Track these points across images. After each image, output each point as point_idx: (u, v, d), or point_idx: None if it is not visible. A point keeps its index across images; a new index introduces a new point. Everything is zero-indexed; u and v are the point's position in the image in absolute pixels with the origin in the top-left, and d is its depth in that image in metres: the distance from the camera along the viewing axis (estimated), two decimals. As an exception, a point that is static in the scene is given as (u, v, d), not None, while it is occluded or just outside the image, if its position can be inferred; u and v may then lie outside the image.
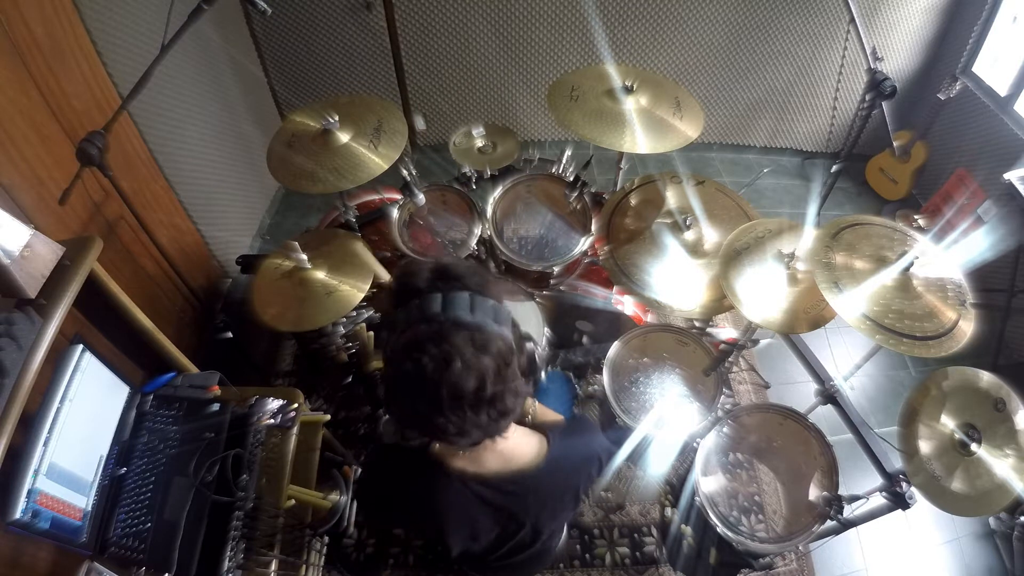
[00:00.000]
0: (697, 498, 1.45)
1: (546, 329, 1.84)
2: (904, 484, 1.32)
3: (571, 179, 1.85)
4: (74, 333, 1.27)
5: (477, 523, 0.93)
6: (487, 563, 1.09)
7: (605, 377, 1.62)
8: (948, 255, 1.29)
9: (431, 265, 0.80)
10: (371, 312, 1.72)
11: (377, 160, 1.55)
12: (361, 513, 1.48)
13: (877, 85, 1.88)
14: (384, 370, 0.78)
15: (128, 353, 1.49)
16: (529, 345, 0.84)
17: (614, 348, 1.67)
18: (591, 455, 1.02)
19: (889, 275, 1.21)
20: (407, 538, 1.93)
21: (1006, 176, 2.26)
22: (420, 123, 3.27)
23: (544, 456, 0.93)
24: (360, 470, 1.60)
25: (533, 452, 0.94)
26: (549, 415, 1.22)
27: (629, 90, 1.69)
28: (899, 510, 1.34)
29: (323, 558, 1.52)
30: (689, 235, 1.58)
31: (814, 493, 1.43)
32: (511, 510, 0.94)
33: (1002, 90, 2.62)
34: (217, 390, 1.40)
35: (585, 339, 2.09)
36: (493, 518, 0.94)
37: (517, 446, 0.93)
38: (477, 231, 1.78)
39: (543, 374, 0.88)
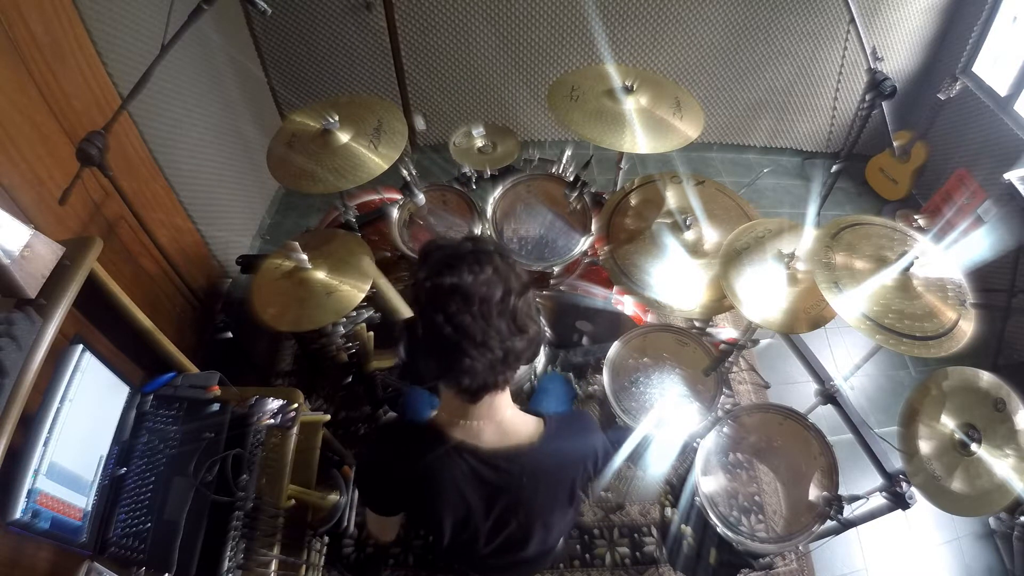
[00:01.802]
0: (697, 498, 1.45)
1: (546, 329, 1.83)
2: (904, 484, 1.32)
3: (571, 179, 1.85)
4: (74, 333, 1.27)
5: (469, 502, 0.94)
6: (483, 560, 1.09)
7: (605, 377, 1.62)
8: (948, 255, 1.29)
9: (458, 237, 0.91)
10: (371, 312, 1.72)
11: (377, 160, 1.55)
12: (359, 491, 1.48)
13: (877, 85, 1.88)
14: (415, 292, 0.85)
15: (128, 353, 1.49)
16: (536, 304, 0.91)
17: (614, 348, 1.67)
18: (588, 448, 1.03)
19: (889, 275, 1.21)
20: (407, 538, 1.94)
21: (1006, 176, 2.26)
22: (420, 123, 3.27)
23: (540, 436, 0.96)
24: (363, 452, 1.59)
25: (530, 430, 0.97)
26: None
27: (629, 90, 1.69)
28: (899, 510, 1.34)
29: (323, 558, 1.52)
30: (689, 235, 1.58)
31: (814, 493, 1.43)
32: (504, 491, 0.95)
33: (1002, 90, 2.62)
34: (217, 390, 1.40)
35: (585, 339, 2.09)
36: (485, 498, 0.95)
37: (515, 421, 0.96)
38: (477, 231, 1.78)
39: (544, 336, 0.95)
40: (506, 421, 0.94)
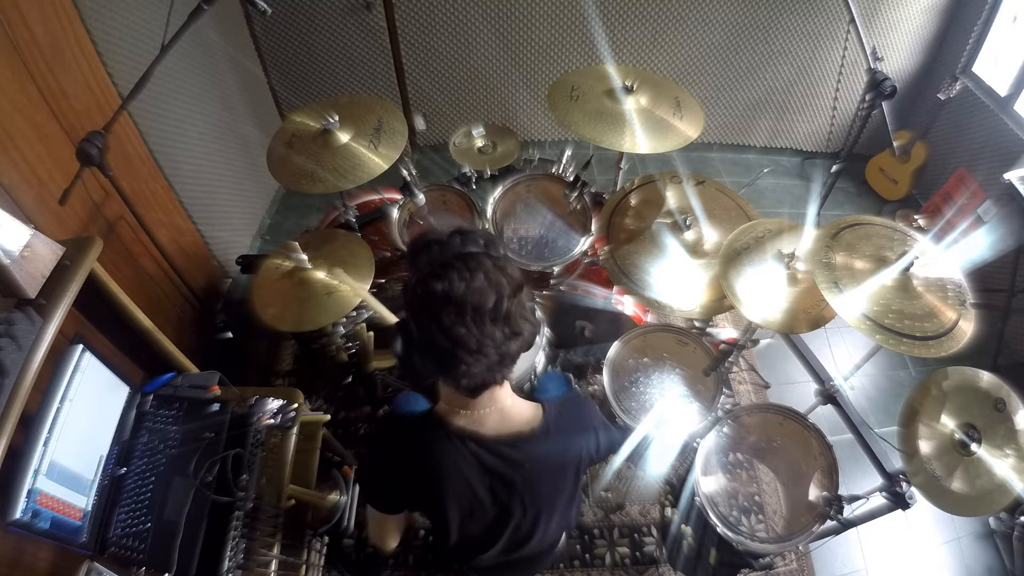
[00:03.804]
0: (697, 498, 1.45)
1: (546, 329, 1.83)
2: (904, 484, 1.32)
3: (571, 179, 1.86)
4: (74, 333, 1.27)
5: (474, 490, 0.95)
6: (487, 559, 1.09)
7: (605, 377, 1.62)
8: (948, 255, 1.30)
9: (448, 228, 0.90)
10: (371, 312, 1.72)
11: (377, 160, 1.55)
12: (361, 487, 1.49)
13: (877, 85, 1.88)
14: (408, 298, 0.85)
15: (128, 353, 1.49)
16: (530, 303, 0.91)
17: (614, 348, 1.67)
18: (588, 430, 1.05)
19: (889, 275, 1.21)
20: (407, 538, 1.94)
21: (1006, 176, 2.26)
22: (420, 123, 3.27)
23: (541, 421, 0.98)
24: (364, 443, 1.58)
25: (529, 415, 0.98)
26: None
27: (629, 90, 1.69)
28: (899, 510, 1.34)
29: (323, 558, 1.52)
30: (689, 235, 1.59)
31: (814, 493, 1.43)
32: (508, 477, 0.96)
33: (1002, 90, 2.62)
34: (217, 390, 1.40)
35: (586, 333, 2.09)
36: (490, 485, 0.96)
37: (514, 407, 0.97)
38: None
39: (541, 331, 0.94)
40: (507, 409, 0.96)
